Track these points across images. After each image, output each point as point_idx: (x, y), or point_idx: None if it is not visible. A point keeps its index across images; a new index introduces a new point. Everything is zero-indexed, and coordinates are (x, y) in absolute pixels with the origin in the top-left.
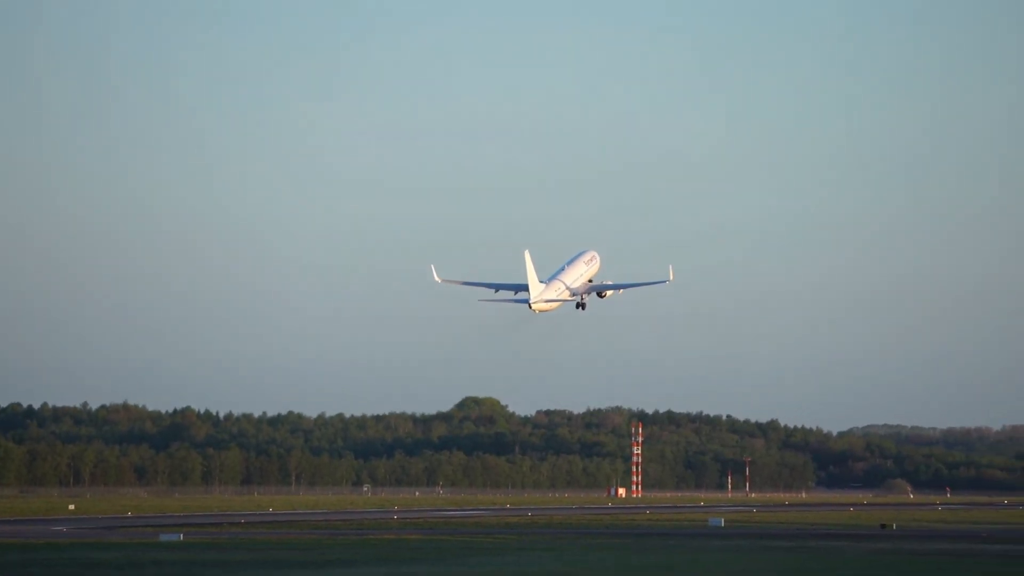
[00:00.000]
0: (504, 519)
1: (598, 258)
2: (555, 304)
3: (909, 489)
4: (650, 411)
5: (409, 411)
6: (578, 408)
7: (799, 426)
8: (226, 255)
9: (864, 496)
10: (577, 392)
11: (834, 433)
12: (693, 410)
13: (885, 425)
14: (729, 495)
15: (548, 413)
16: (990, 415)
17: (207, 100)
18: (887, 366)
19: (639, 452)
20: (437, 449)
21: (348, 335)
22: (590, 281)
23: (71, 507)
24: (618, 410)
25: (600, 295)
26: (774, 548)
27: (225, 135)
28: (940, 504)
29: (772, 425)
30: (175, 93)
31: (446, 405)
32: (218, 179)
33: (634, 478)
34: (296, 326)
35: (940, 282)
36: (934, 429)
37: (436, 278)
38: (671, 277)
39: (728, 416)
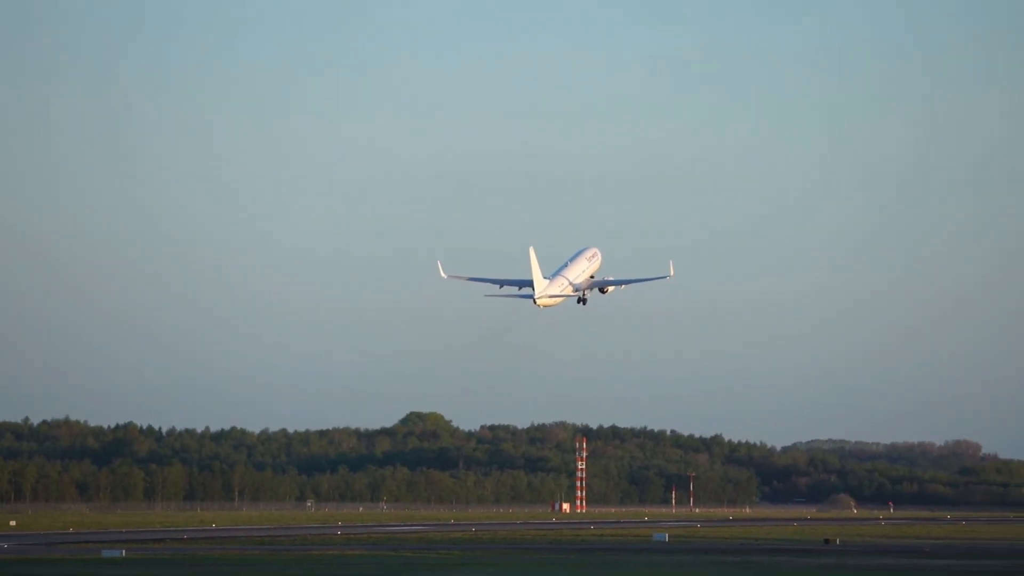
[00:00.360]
0: (448, 534)
1: (599, 255)
2: (558, 299)
3: (852, 504)
4: (594, 426)
5: (353, 426)
6: (523, 423)
7: (743, 441)
8: (166, 270)
9: (808, 511)
10: (521, 407)
11: (778, 448)
12: (637, 425)
13: (829, 440)
14: (673, 510)
15: (492, 428)
16: (933, 430)
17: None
18: (831, 381)
19: (583, 467)
20: (381, 464)
21: (291, 350)
22: (592, 277)
23: (12, 523)
24: (562, 425)
25: (602, 291)
26: (718, 563)
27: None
28: (883, 519)
29: (716, 440)
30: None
31: (390, 420)
32: (154, 192)
33: (578, 493)
34: (239, 341)
35: (883, 299)
36: (877, 444)
37: (442, 274)
38: (672, 273)
39: (672, 431)
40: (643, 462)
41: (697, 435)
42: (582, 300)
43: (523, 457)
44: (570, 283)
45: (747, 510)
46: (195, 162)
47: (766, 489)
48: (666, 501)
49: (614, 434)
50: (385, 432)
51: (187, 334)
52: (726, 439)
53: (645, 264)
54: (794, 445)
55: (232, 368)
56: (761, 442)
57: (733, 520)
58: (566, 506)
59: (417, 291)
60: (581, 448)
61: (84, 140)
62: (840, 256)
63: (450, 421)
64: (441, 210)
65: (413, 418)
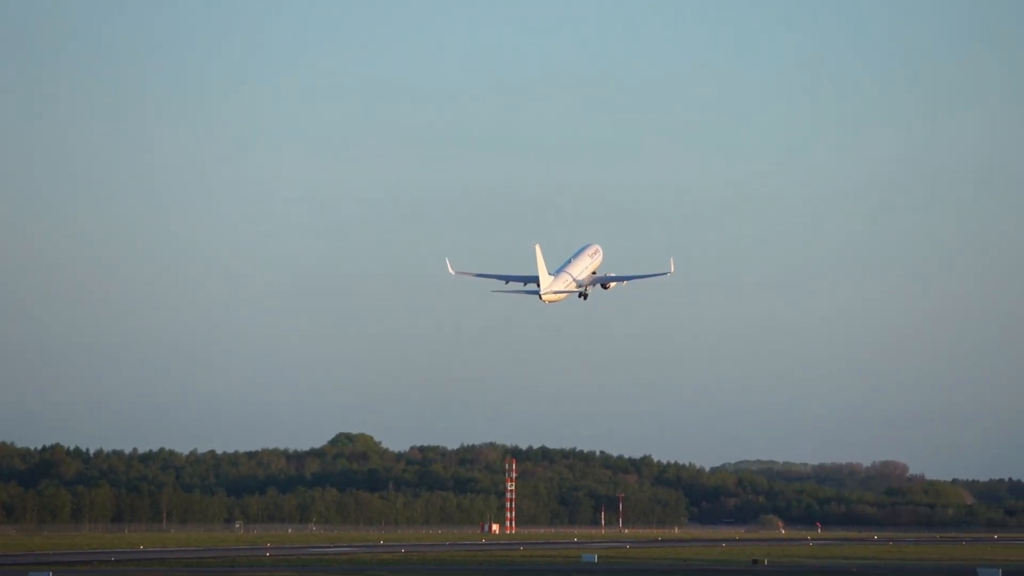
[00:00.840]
0: (378, 556)
1: (601, 251)
2: (563, 295)
3: (780, 525)
4: (524, 447)
5: (282, 447)
6: (452, 444)
7: (672, 462)
8: (93, 291)
9: (736, 532)
10: (451, 428)
11: (707, 469)
12: (567, 446)
13: (757, 461)
14: (603, 531)
15: (422, 449)
16: (861, 451)
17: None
18: (759, 402)
19: (513, 488)
20: (310, 485)
21: (220, 370)
22: (594, 273)
23: None
24: (492, 446)
25: (604, 286)
26: None
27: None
28: (811, 539)
29: (645, 461)
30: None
31: (319, 441)
32: (80, 205)
33: (508, 514)
34: (167, 361)
35: (807, 320)
36: (805, 465)
37: (450, 270)
38: (672, 270)
39: (602, 452)
40: (573, 483)
41: (626, 456)
42: (583, 295)
43: (453, 478)
44: (574, 279)
45: (676, 531)
46: (123, 178)
47: (695, 510)
48: (596, 522)
49: (544, 455)
50: (314, 453)
51: (114, 355)
52: (655, 460)
53: (645, 261)
54: (723, 466)
55: (160, 389)
56: (690, 463)
57: (662, 541)
58: (496, 527)
59: (347, 311)
60: (511, 469)
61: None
62: (767, 281)
63: (379, 442)
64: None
65: (342, 439)
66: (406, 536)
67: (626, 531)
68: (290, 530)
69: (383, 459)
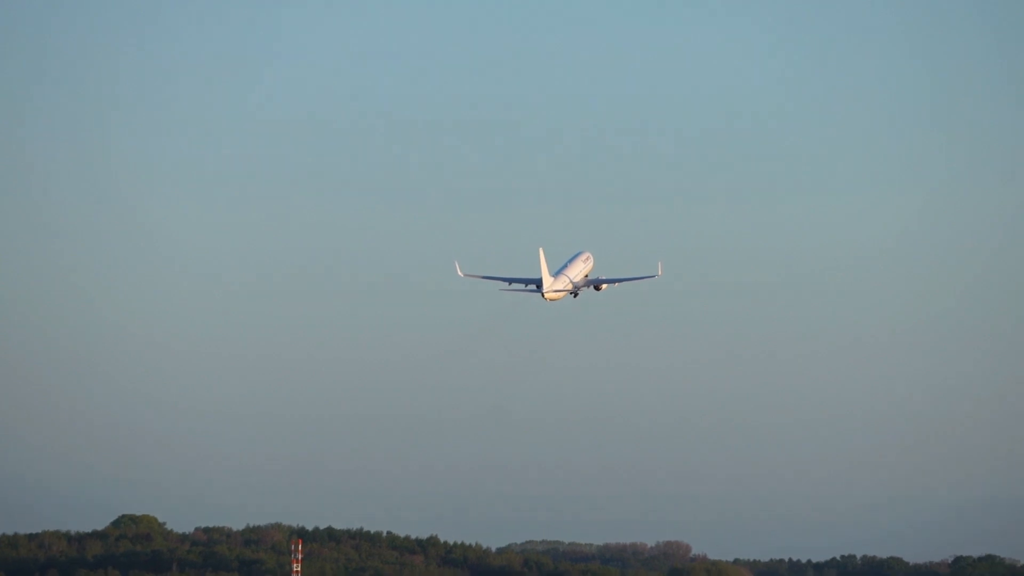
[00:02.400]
0: None
1: (592, 257)
2: (561, 294)
3: None
4: (310, 528)
5: (63, 529)
6: (237, 525)
7: (459, 542)
8: None
9: None
10: (236, 509)
11: (493, 549)
12: (353, 526)
13: (543, 541)
14: None
15: (207, 530)
16: (646, 532)
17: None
18: (546, 482)
19: (299, 570)
20: (92, 568)
21: None
22: (586, 276)
23: None
24: (278, 527)
25: (597, 288)
26: None
27: None
28: None
29: (432, 541)
30: None
31: (102, 523)
32: None
33: None
34: None
35: (596, 399)
36: (591, 545)
37: (459, 272)
38: (659, 272)
39: (388, 532)
40: (359, 564)
41: (413, 536)
42: (575, 294)
43: (237, 559)
44: (570, 280)
45: None
46: None
47: None
48: None
49: (330, 535)
50: (96, 535)
51: None
52: (442, 540)
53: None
54: (509, 546)
55: None
56: (476, 543)
57: None
58: None
59: (129, 390)
60: (296, 550)
61: None
62: (565, 355)
63: (164, 523)
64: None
65: (126, 520)
66: None
67: None
68: None
69: (167, 540)
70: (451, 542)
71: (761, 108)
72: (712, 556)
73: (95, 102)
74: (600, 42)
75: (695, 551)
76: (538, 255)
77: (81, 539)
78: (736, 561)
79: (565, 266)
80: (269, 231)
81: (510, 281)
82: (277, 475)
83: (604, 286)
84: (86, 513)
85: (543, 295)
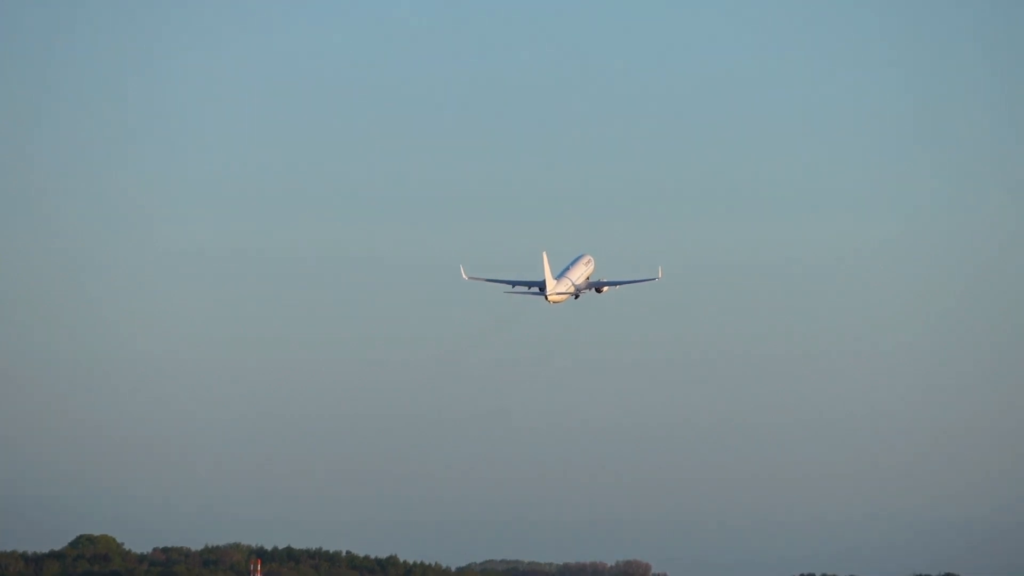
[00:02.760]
0: None
1: (593, 260)
2: (564, 296)
3: None
4: (269, 547)
5: (20, 549)
6: (196, 545)
7: (418, 562)
8: None
9: None
10: (195, 528)
11: (453, 569)
12: (313, 545)
13: (503, 560)
14: None
15: (165, 550)
16: (606, 550)
17: None
18: (505, 500)
19: None
20: None
21: None
22: (587, 279)
23: None
24: (236, 547)
25: (598, 290)
26: None
27: None
28: None
29: (391, 560)
30: None
31: (59, 543)
32: None
33: None
34: None
35: (556, 418)
36: (551, 564)
37: (464, 276)
38: (660, 275)
39: (348, 552)
40: None
41: (373, 556)
42: (576, 296)
43: None
44: (572, 283)
45: None
46: None
47: None
48: None
49: (289, 555)
50: (54, 556)
51: None
52: (401, 559)
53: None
54: (469, 565)
55: None
56: (436, 563)
57: None
58: None
59: (86, 409)
60: (255, 570)
61: None
62: (522, 368)
63: (122, 544)
64: None
65: (83, 541)
66: None
67: None
68: None
69: (125, 561)
70: (411, 561)
71: (761, 108)
72: (672, 574)
73: (96, 101)
74: (603, 48)
75: (655, 570)
76: (541, 258)
77: (39, 560)
78: None
79: (567, 269)
80: (269, 232)
81: (514, 284)
82: (236, 494)
83: (605, 288)
84: (43, 533)
85: (547, 297)
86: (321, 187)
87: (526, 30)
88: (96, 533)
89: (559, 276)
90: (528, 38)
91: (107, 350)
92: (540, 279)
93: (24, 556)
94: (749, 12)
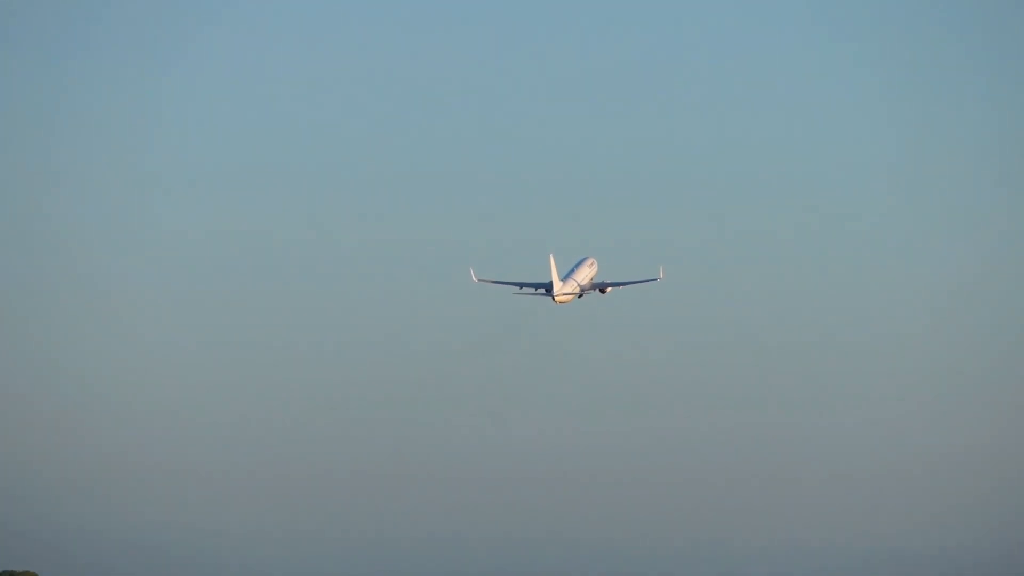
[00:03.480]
0: None
1: (596, 263)
2: (570, 297)
3: None
4: None
5: None
6: None
7: None
8: None
9: None
10: (118, 566)
11: None
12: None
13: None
14: None
15: None
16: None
17: None
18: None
19: None
20: None
21: None
22: (592, 280)
23: None
24: None
25: (602, 291)
26: None
27: None
28: None
29: None
30: None
31: None
32: None
33: None
34: None
35: (503, 447)
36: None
37: (474, 278)
38: (661, 276)
39: None
40: None
41: None
42: (580, 296)
43: None
44: (578, 284)
45: None
46: None
47: None
48: None
49: None
50: None
51: None
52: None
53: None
54: None
55: None
56: None
57: None
58: None
59: (9, 442)
60: None
61: None
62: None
63: None
64: None
65: None
66: None
67: None
68: None
69: None
70: None
71: (761, 109)
72: None
73: (94, 100)
74: (606, 50)
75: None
76: (548, 261)
77: None
78: None
79: (572, 271)
80: (269, 232)
81: (520, 285)
82: (160, 531)
83: (609, 289)
84: None
85: (553, 298)
86: (324, 187)
87: (526, 30)
88: (19, 569)
89: (565, 278)
90: (530, 38)
91: (45, 376)
92: (547, 281)
93: None
94: (749, 12)
